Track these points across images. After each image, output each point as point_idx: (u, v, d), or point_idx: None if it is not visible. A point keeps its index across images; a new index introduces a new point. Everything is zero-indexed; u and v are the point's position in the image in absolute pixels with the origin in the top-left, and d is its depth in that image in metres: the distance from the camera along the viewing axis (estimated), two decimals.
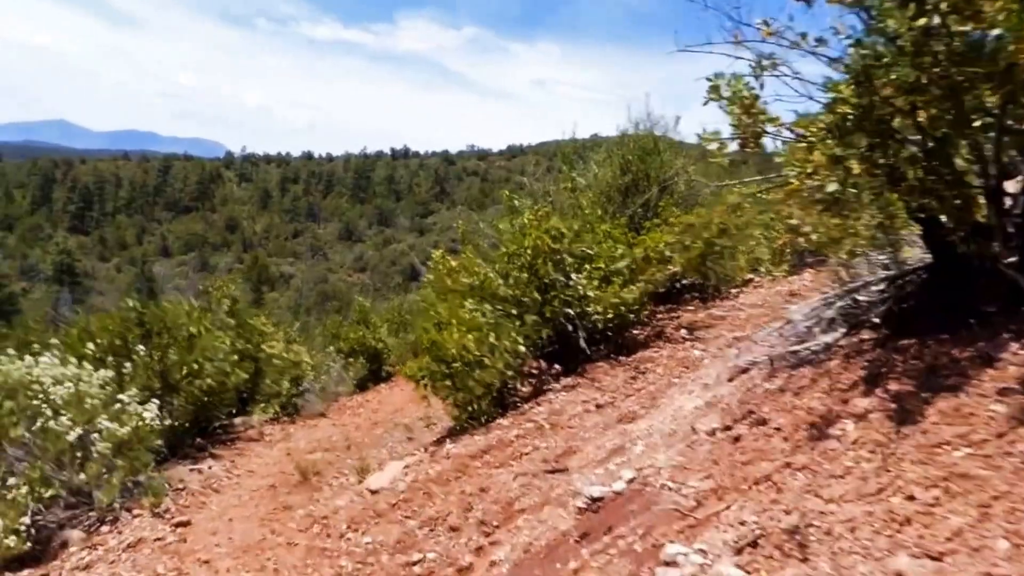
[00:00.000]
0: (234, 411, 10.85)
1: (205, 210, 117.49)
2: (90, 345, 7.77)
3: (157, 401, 7.27)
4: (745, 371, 4.54)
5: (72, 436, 6.61)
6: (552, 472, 4.77)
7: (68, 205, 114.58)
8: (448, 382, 7.03)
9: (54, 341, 8.16)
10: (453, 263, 7.43)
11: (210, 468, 8.22)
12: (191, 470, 8.20)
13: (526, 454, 5.35)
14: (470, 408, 6.52)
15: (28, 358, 7.43)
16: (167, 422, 7.72)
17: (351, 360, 15.01)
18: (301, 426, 10.70)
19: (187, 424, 9.26)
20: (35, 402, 6.94)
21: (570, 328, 6.62)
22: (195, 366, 8.92)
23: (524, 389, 6.71)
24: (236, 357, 10.20)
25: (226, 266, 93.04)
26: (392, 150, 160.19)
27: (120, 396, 6.94)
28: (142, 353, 8.03)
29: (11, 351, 7.64)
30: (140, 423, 6.90)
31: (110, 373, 7.31)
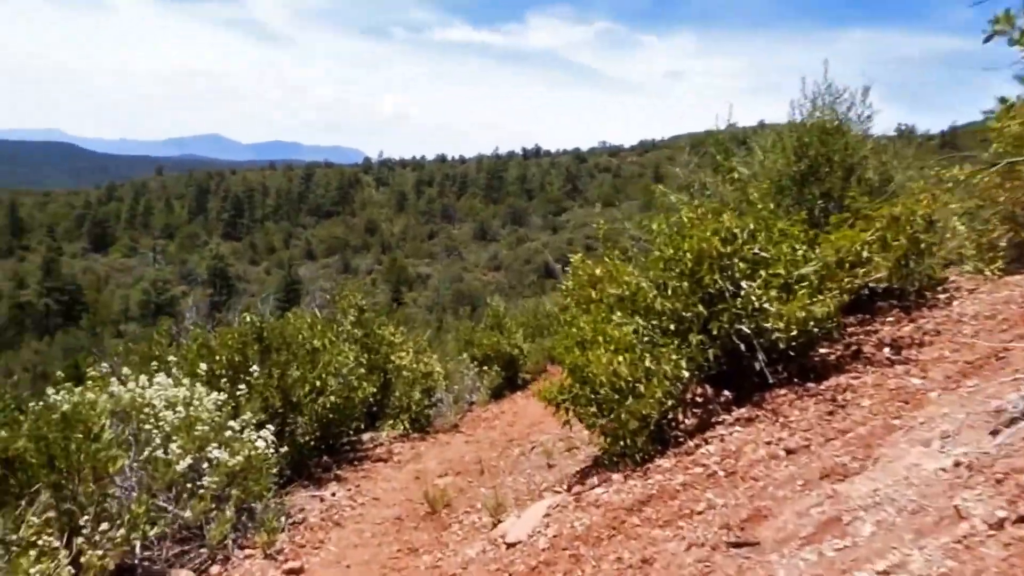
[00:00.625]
0: (362, 426, 10.15)
1: (346, 214, 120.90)
2: (202, 366, 7.12)
3: (272, 427, 6.53)
4: (1016, 421, 3.25)
5: (182, 466, 5.95)
6: (738, 546, 3.62)
7: (221, 213, 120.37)
8: (594, 408, 5.96)
9: (172, 359, 7.61)
10: (597, 270, 6.35)
11: (333, 495, 7.46)
12: (313, 496, 7.47)
13: (698, 512, 4.21)
14: (622, 444, 5.43)
15: (142, 379, 6.86)
16: (284, 449, 7.00)
17: (485, 368, 14.17)
18: (432, 443, 9.87)
19: (312, 443, 8.58)
20: (147, 427, 6.34)
21: (743, 347, 5.41)
22: (318, 383, 8.21)
23: (687, 421, 5.55)
24: (363, 370, 9.48)
25: (366, 268, 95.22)
26: (524, 150, 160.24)
27: (231, 423, 6.22)
28: (256, 375, 7.33)
29: (126, 370, 7.10)
30: (253, 452, 6.18)
31: (222, 396, 6.62)
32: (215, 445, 6.05)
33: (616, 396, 5.28)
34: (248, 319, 7.89)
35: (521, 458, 8.46)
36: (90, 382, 6.76)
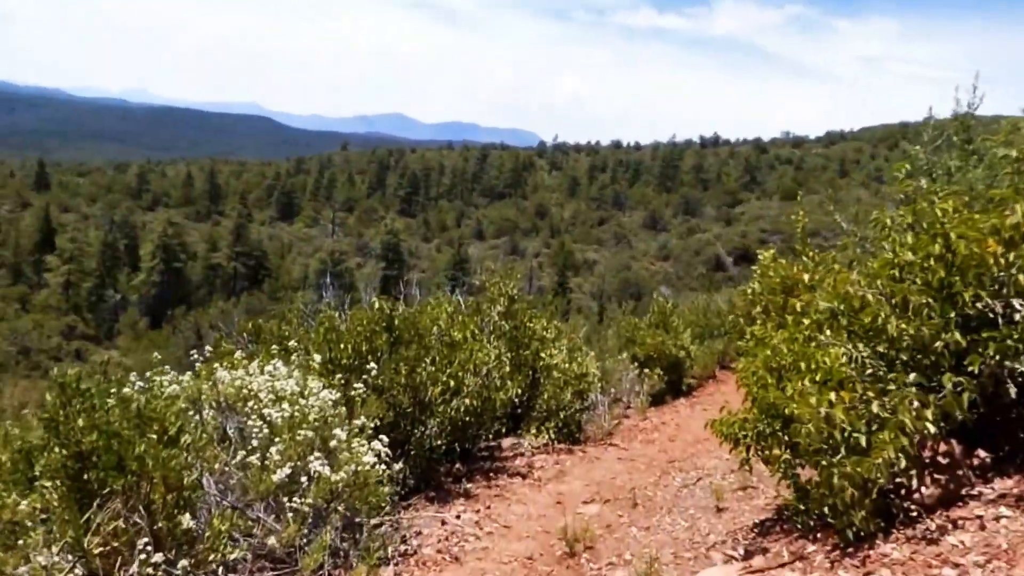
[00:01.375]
0: (503, 430, 9.05)
1: (517, 196, 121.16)
2: (316, 356, 6.18)
3: (386, 437, 5.47)
4: None
5: (279, 476, 5.00)
6: None
7: (398, 190, 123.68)
8: (787, 453, 4.52)
9: (292, 344, 6.74)
10: (804, 274, 4.86)
11: (458, 518, 6.36)
12: (435, 515, 6.40)
13: None
14: (829, 511, 3.97)
15: (253, 366, 6.01)
16: (399, 466, 5.96)
17: (647, 370, 12.76)
18: (580, 457, 8.61)
19: (443, 447, 7.55)
20: (249, 423, 5.46)
21: (1012, 391, 3.81)
22: (452, 382, 7.15)
23: (926, 490, 4.00)
24: (508, 368, 8.34)
25: (534, 251, 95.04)
26: (701, 138, 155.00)
27: (337, 431, 5.21)
28: (375, 371, 6.31)
29: (239, 355, 6.29)
30: (360, 467, 5.15)
31: (335, 394, 5.64)
32: (317, 455, 5.06)
33: (826, 449, 3.82)
34: (377, 304, 6.90)
35: (683, 492, 7.06)
36: (201, 367, 5.97)
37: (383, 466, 5.34)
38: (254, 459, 5.03)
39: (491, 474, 7.71)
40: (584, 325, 15.93)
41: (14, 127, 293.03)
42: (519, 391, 8.71)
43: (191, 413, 5.60)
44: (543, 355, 9.64)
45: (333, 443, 5.14)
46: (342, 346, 6.81)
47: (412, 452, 7.08)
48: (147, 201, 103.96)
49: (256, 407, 5.50)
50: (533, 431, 8.90)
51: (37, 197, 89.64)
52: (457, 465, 7.87)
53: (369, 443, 5.46)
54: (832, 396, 3.88)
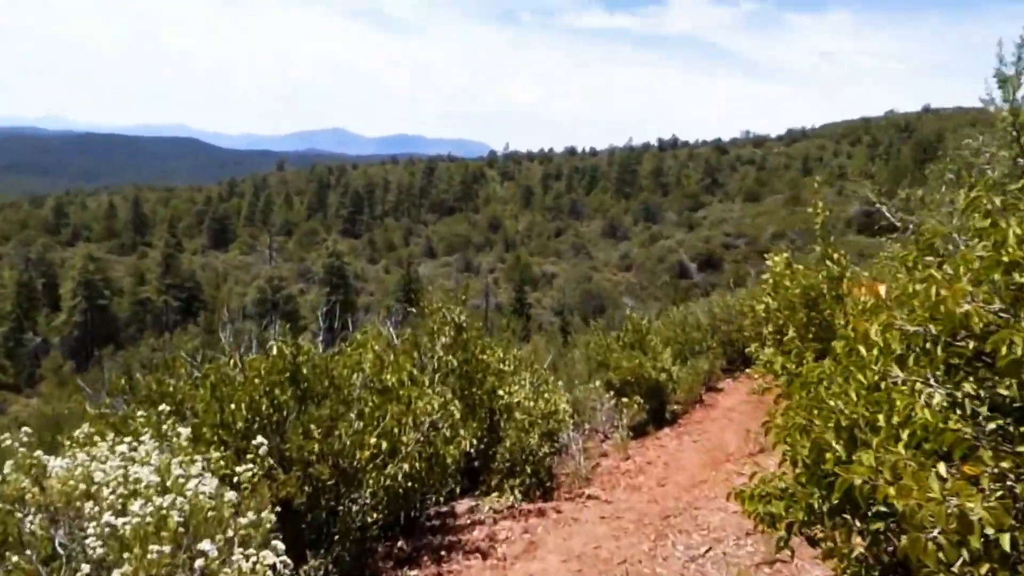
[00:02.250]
0: (457, 490, 7.70)
1: (468, 210, 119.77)
2: (182, 431, 4.80)
3: (281, 545, 4.07)
4: None
5: None
6: None
7: (340, 209, 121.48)
8: (863, 538, 3.27)
9: (162, 408, 5.31)
10: (865, 287, 3.61)
11: None
12: None
13: None
14: None
15: (102, 446, 4.60)
16: (315, 563, 4.59)
17: (625, 398, 11.49)
18: (554, 520, 7.26)
19: (380, 522, 6.20)
20: (89, 531, 4.05)
21: None
22: (385, 443, 5.79)
23: None
24: (458, 415, 6.99)
25: (489, 266, 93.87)
26: (659, 141, 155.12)
27: (203, 545, 3.82)
28: (262, 450, 4.87)
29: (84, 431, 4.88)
30: None
31: (211, 482, 4.26)
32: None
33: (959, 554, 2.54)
34: (278, 349, 5.51)
35: (691, 569, 5.78)
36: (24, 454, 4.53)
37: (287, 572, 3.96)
38: None
39: (442, 552, 6.34)
40: (549, 352, 14.58)
41: None
42: (474, 440, 7.37)
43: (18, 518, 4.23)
44: (501, 393, 8.33)
45: (200, 563, 3.76)
46: (232, 406, 5.42)
47: (337, 536, 5.72)
48: (66, 236, 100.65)
49: (97, 509, 4.10)
50: (495, 494, 7.54)
51: None
52: (400, 543, 6.51)
53: (259, 552, 4.08)
54: (941, 469, 2.62)
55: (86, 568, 3.78)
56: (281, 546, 4.02)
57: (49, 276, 77.57)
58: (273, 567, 3.94)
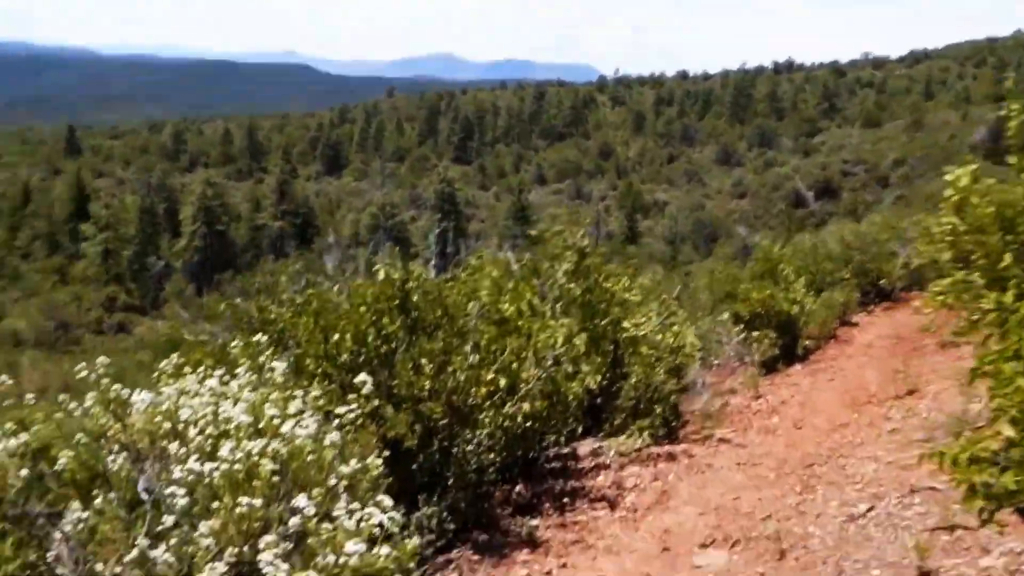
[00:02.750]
0: (579, 429, 7.08)
1: (579, 136, 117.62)
2: (276, 365, 4.26)
3: (388, 500, 3.49)
4: None
5: (217, 571, 3.12)
6: None
7: (451, 136, 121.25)
8: None
9: (258, 339, 4.81)
10: None
11: None
12: None
13: None
14: None
15: (189, 380, 4.13)
16: (428, 512, 4.04)
17: (754, 333, 10.62)
18: (686, 465, 6.57)
19: (495, 463, 5.64)
20: (174, 475, 3.58)
21: None
22: (504, 379, 5.18)
23: None
24: (582, 347, 6.31)
25: (600, 194, 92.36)
26: (774, 64, 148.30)
27: (299, 500, 3.28)
28: (367, 387, 4.27)
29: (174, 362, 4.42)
30: (344, 557, 3.21)
31: (312, 422, 3.72)
32: (270, 541, 3.14)
33: None
34: (385, 273, 4.92)
35: (850, 530, 5.00)
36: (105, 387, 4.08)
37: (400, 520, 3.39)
38: (163, 551, 3.15)
39: (565, 500, 5.74)
40: (669, 281, 13.63)
41: (40, 91, 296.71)
42: (597, 377, 6.69)
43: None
44: (627, 325, 7.62)
45: (295, 520, 3.22)
46: (336, 337, 4.89)
47: (451, 480, 5.18)
48: (184, 162, 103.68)
49: (184, 452, 3.61)
50: (622, 436, 6.87)
51: (68, 163, 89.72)
52: (518, 488, 5.95)
53: (365, 502, 3.53)
54: None
55: (169, 519, 3.31)
56: (389, 501, 3.45)
57: (170, 201, 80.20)
58: (382, 525, 3.38)
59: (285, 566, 3.04)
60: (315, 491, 3.57)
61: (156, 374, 4.46)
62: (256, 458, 3.40)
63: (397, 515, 3.48)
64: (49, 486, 3.58)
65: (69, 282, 58.42)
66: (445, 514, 4.95)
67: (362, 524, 3.31)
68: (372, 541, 3.35)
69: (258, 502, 3.25)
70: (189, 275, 68.96)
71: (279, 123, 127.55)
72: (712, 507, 5.71)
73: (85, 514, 3.45)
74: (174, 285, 66.15)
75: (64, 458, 3.87)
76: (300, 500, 3.25)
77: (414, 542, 3.41)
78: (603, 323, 7.46)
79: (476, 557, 4.81)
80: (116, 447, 3.85)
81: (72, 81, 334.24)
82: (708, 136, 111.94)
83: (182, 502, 3.46)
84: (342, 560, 3.12)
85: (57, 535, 3.47)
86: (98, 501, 3.54)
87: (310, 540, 3.22)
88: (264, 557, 3.10)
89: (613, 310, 7.60)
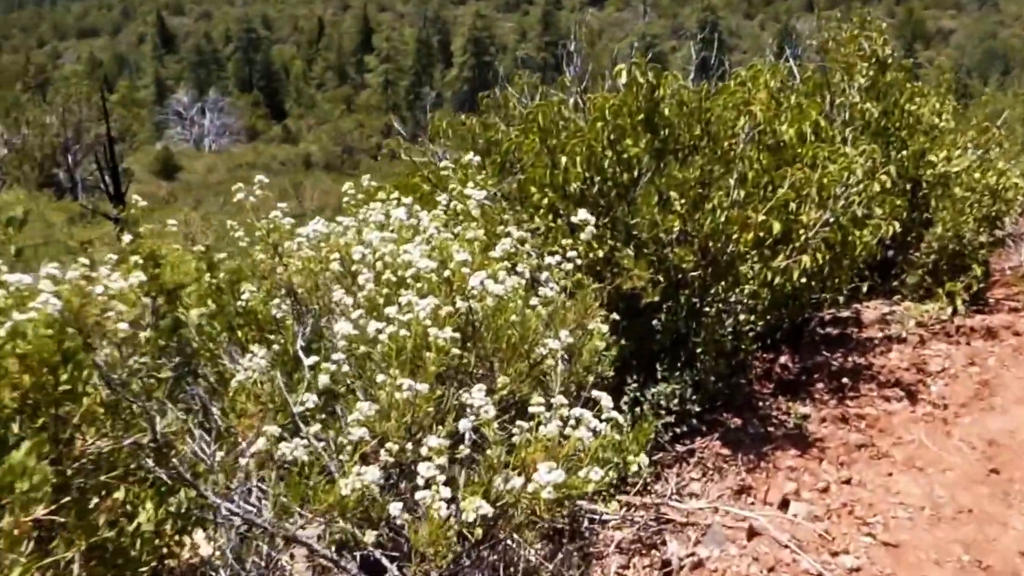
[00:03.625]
0: (865, 287, 5.48)
1: None
2: (473, 193, 3.09)
3: (606, 399, 2.29)
4: None
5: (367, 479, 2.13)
6: None
7: None
8: None
9: (467, 160, 3.67)
10: None
11: (787, 511, 3.18)
12: (727, 513, 3.26)
13: None
14: None
15: (373, 209, 3.09)
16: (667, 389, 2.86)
17: None
18: (1011, 348, 4.83)
19: (756, 328, 4.31)
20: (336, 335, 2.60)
21: None
22: (778, 223, 3.74)
23: None
24: (887, 183, 4.64)
25: (878, 19, 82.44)
26: None
27: (473, 394, 2.16)
28: (589, 229, 2.94)
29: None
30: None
31: (521, 272, 2.58)
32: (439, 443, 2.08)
33: None
34: (629, 77, 3.54)
35: None
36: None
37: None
38: (296, 445, 2.20)
39: (845, 382, 4.30)
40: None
41: None
42: (895, 223, 5.02)
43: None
44: (934, 159, 5.77)
45: (465, 424, 2.13)
46: (565, 160, 3.65)
47: (700, 347, 3.92)
48: None
49: (351, 303, 2.60)
50: (927, 303, 5.20)
51: None
52: (783, 359, 4.59)
53: (580, 389, 2.39)
54: None
55: (324, 380, 2.33)
56: (607, 401, 2.26)
57: (443, 33, 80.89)
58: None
59: (446, 491, 1.96)
60: (510, 372, 2.47)
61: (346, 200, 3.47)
62: (428, 323, 2.31)
63: (620, 418, 2.30)
64: (185, 335, 2.73)
65: (354, 111, 61.08)
66: (689, 391, 3.74)
67: (569, 428, 2.16)
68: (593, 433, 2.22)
69: (424, 387, 2.18)
70: (457, 105, 70.05)
71: None
72: None
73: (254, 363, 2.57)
74: (443, 114, 67.45)
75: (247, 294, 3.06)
76: (464, 424, 2.13)
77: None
78: (903, 155, 5.67)
79: (726, 452, 3.58)
80: (275, 290, 2.95)
81: None
82: None
83: (343, 367, 2.47)
84: (531, 488, 2.00)
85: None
86: (259, 354, 2.64)
87: (488, 452, 2.13)
88: (423, 469, 2.04)
89: (918, 139, 5.77)
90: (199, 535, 2.73)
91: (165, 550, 2.67)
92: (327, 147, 48.68)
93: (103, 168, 25.09)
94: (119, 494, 2.57)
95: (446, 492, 1.98)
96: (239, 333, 3.15)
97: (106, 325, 2.20)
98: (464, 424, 2.13)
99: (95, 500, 2.50)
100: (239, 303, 3.11)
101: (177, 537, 2.65)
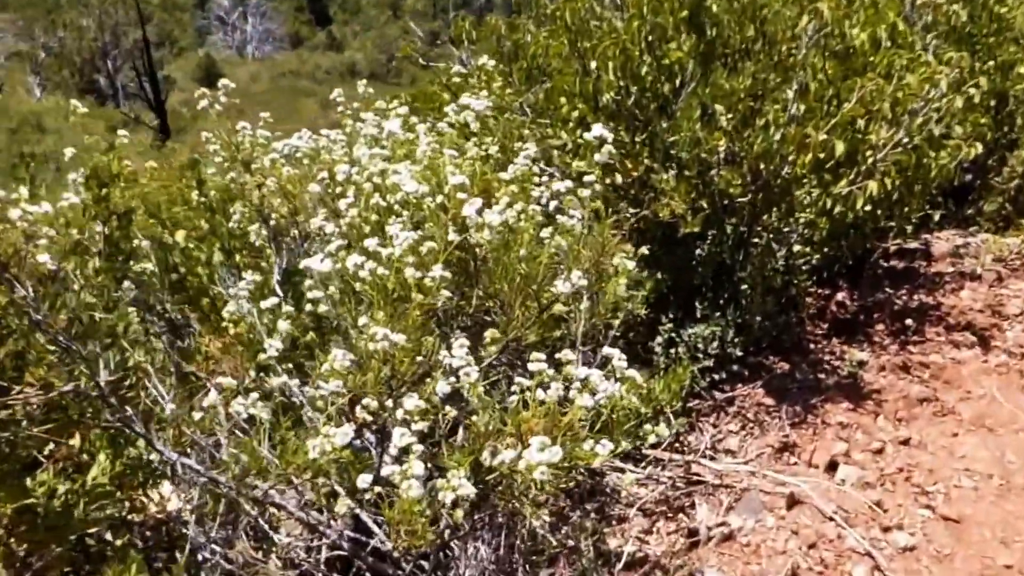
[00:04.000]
0: (937, 215, 4.97)
1: None
2: (474, 104, 2.69)
3: (623, 360, 1.93)
4: None
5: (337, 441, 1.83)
6: None
7: None
8: None
9: (488, 66, 3.27)
10: None
11: (835, 477, 2.84)
12: (772, 471, 2.92)
13: None
14: None
15: (366, 120, 2.72)
16: (705, 332, 2.53)
17: None
18: None
19: (811, 261, 3.90)
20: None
21: None
22: (844, 142, 3.28)
23: None
24: (976, 96, 4.10)
25: None
26: None
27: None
28: (607, 148, 2.52)
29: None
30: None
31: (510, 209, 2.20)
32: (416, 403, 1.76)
33: None
34: None
35: None
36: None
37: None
38: (252, 400, 1.90)
39: (908, 323, 3.88)
40: None
41: None
42: (979, 147, 4.48)
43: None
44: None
45: (442, 387, 1.79)
46: (595, 65, 3.22)
47: (746, 283, 3.53)
48: None
49: (333, 231, 2.27)
50: (1013, 234, 4.68)
51: None
52: (840, 296, 4.17)
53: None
54: None
55: (284, 326, 2.03)
56: (620, 360, 1.91)
57: None
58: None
59: (419, 466, 1.64)
60: (515, 317, 2.13)
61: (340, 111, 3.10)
62: (409, 259, 1.97)
63: (637, 375, 1.95)
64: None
65: (400, 17, 59.61)
66: (731, 332, 3.37)
67: (581, 392, 1.81)
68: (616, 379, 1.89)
69: (400, 337, 1.84)
70: (507, 9, 68.22)
71: None
72: None
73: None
74: (491, 20, 65.68)
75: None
76: (457, 352, 1.79)
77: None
78: (988, 65, 5.07)
79: (769, 401, 3.22)
80: (250, 214, 2.61)
81: None
82: None
83: (322, 307, 2.17)
84: (522, 465, 1.67)
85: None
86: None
87: (474, 419, 1.80)
88: (396, 436, 1.73)
89: (1007, 48, 5.16)
90: (166, 487, 2.49)
91: (128, 504, 2.44)
92: (371, 55, 47.70)
93: (141, 75, 24.90)
94: (75, 441, 2.34)
95: (419, 468, 1.67)
96: (236, 257, 2.87)
97: (31, 255, 1.89)
98: (441, 387, 1.80)
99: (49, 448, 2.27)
100: (231, 224, 2.82)
101: (140, 491, 2.42)
